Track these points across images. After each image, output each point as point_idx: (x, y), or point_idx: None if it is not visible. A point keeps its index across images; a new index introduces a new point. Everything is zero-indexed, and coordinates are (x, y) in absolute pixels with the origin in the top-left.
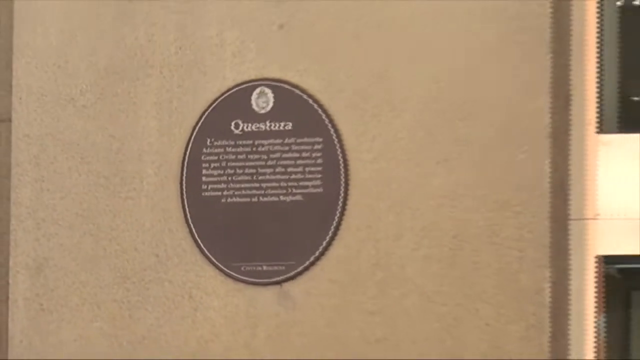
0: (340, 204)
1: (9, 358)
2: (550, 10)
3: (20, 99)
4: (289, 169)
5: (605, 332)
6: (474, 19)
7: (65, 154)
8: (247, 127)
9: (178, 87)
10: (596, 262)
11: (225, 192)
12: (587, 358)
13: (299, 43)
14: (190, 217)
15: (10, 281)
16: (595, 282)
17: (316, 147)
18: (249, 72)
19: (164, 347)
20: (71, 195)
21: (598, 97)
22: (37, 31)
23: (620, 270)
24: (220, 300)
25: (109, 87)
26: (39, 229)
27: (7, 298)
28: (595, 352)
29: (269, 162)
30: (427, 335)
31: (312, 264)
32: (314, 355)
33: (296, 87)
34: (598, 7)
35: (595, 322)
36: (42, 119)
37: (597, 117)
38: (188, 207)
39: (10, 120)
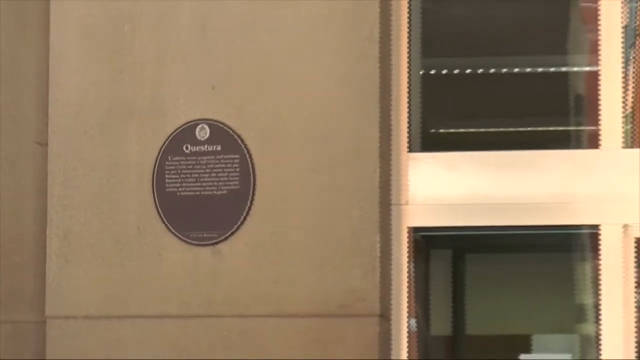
0: (250, 196)
1: (46, 272)
2: (379, 69)
3: (53, 132)
4: (219, 174)
5: (414, 274)
6: (325, 77)
7: (81, 166)
8: (193, 149)
9: (151, 124)
10: (408, 231)
11: (179, 188)
12: (403, 290)
13: (224, 97)
14: (159, 204)
15: (47, 244)
16: (407, 243)
17: (235, 161)
18: (194, 115)
19: (143, 282)
20: (85, 190)
21: (408, 129)
22: (65, 85)
23: (423, 236)
24: (177, 255)
25: (109, 123)
26: (65, 211)
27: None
28: (407, 286)
29: (206, 170)
30: (307, 275)
31: (233, 233)
32: (235, 289)
33: (223, 124)
34: (408, 68)
35: (407, 267)
36: (68, 144)
37: (408, 142)
38: (157, 198)
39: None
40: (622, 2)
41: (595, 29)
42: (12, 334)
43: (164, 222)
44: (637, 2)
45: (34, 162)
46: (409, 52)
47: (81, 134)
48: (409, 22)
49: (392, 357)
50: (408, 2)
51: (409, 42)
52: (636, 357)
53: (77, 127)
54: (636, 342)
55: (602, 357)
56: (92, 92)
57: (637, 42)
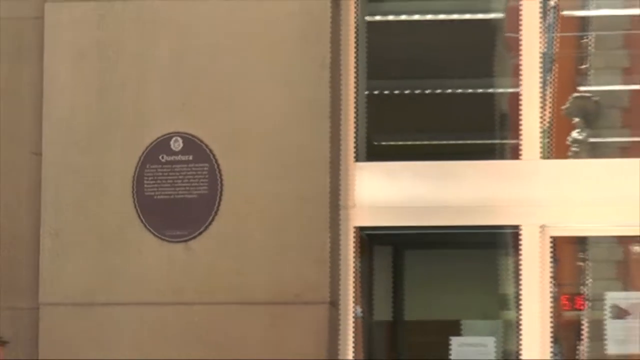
0: (217, 200)
1: (40, 265)
2: (329, 90)
3: (47, 143)
4: (190, 180)
5: (359, 267)
6: (282, 97)
7: (71, 173)
8: (168, 158)
9: (132, 136)
10: (354, 230)
11: (156, 192)
12: (350, 281)
13: (196, 114)
14: (138, 206)
15: (40, 241)
16: (354, 240)
17: (205, 169)
18: (169, 129)
19: (124, 274)
20: (74, 194)
21: (355, 142)
22: (57, 102)
23: (367, 234)
24: (154, 250)
25: (95, 136)
26: (56, 212)
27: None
28: (353, 277)
29: (180, 177)
30: (266, 268)
31: (202, 231)
32: (203, 280)
33: (194, 137)
34: (355, 89)
35: (354, 261)
36: (60, 154)
37: (354, 153)
38: (137, 201)
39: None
40: (540, 32)
41: (517, 56)
42: (10, 319)
43: (142, 222)
44: (553, 33)
45: (30, 170)
46: (355, 76)
47: (71, 145)
48: (355, 50)
49: (340, 339)
50: (355, 33)
51: (355, 67)
52: (551, 340)
53: (68, 139)
54: (551, 327)
55: (521, 339)
56: (81, 108)
57: (553, 67)
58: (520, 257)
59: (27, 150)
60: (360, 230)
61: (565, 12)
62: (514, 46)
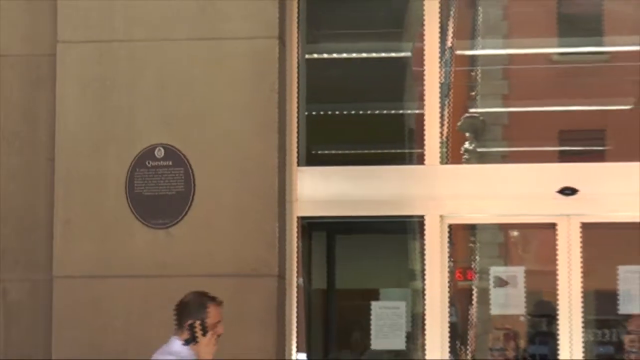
0: (191, 196)
1: (53, 246)
2: (277, 111)
3: (59, 152)
4: (170, 181)
5: (301, 247)
6: (241, 117)
7: (78, 175)
8: (153, 164)
9: (125, 147)
10: (297, 219)
11: (144, 190)
12: (294, 259)
13: (175, 129)
14: (130, 201)
15: (54, 228)
16: (296, 227)
17: (181, 172)
18: (154, 141)
19: (119, 254)
20: (80, 192)
21: (297, 151)
22: (67, 119)
23: (307, 222)
24: (142, 235)
25: (97, 146)
26: (66, 206)
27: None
28: (296, 255)
29: (162, 178)
30: (230, 248)
31: (179, 220)
32: (180, 258)
33: (173, 147)
34: (297, 110)
35: (297, 243)
36: (69, 160)
37: (297, 160)
38: (129, 196)
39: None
40: (439, 67)
41: (422, 85)
42: (31, 288)
43: (133, 213)
44: (449, 67)
45: (45, 172)
46: (297, 100)
47: (78, 153)
48: (297, 80)
49: (286, 303)
50: (297, 67)
51: (297, 93)
52: (449, 304)
53: (75, 149)
54: (449, 294)
55: (426, 303)
56: (85, 124)
57: (449, 94)
58: (425, 240)
59: (43, 157)
60: (302, 219)
61: (459, 52)
62: (419, 77)
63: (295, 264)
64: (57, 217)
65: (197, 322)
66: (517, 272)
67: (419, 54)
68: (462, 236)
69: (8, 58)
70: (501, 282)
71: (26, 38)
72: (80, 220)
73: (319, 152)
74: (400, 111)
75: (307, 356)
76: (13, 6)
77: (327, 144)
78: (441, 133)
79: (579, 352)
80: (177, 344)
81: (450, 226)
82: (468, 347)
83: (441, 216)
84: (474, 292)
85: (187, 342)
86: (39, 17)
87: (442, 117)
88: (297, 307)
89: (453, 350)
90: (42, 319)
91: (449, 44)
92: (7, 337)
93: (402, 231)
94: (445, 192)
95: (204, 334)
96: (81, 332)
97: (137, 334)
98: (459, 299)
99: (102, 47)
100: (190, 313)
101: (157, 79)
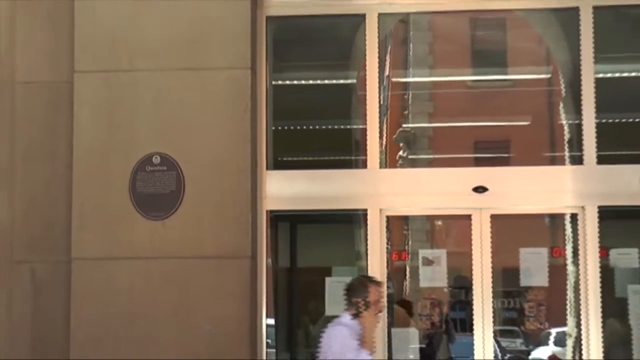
0: (182, 194)
1: (72, 234)
2: (250, 126)
3: (76, 161)
4: (165, 182)
5: (270, 234)
6: (222, 131)
7: (91, 179)
8: (151, 168)
9: (128, 155)
10: (266, 212)
11: (144, 189)
12: (264, 243)
13: (168, 141)
14: (133, 197)
15: (72, 219)
16: (266, 218)
17: (173, 175)
18: (152, 150)
19: (125, 240)
20: (93, 192)
21: (266, 158)
22: (82, 135)
23: (274, 215)
24: (142, 225)
25: (106, 155)
26: (82, 202)
27: (70, 227)
28: (266, 241)
29: (159, 181)
30: (212, 236)
31: (172, 213)
32: (173, 243)
33: (167, 155)
34: (266, 125)
35: (266, 231)
36: (84, 167)
37: (266, 164)
38: (132, 195)
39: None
40: (379, 91)
41: (365, 105)
42: (53, 268)
43: (135, 208)
44: (387, 92)
45: (66, 177)
46: (266, 117)
47: (90, 162)
48: (266, 101)
49: (258, 279)
50: (266, 91)
51: (266, 112)
52: (387, 279)
53: (88, 158)
54: (387, 271)
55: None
56: (97, 138)
57: (387, 113)
58: (368, 228)
59: (63, 164)
60: (270, 212)
61: (394, 79)
62: (363, 100)
63: (264, 248)
64: (74, 211)
65: (361, 300)
66: (441, 254)
67: (363, 81)
68: (397, 225)
69: (35, 84)
70: (428, 262)
71: (49, 68)
72: (92, 214)
73: (284, 159)
74: (348, 126)
75: (275, 321)
76: (39, 40)
77: (290, 152)
78: (380, 144)
79: (489, 316)
80: (347, 318)
81: (388, 217)
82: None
83: (380, 209)
84: (407, 269)
85: (354, 316)
86: (60, 52)
87: (381, 131)
88: (266, 282)
89: (391, 314)
90: (63, 292)
91: (386, 73)
92: (35, 305)
93: (350, 221)
94: (383, 191)
95: (366, 309)
96: (93, 302)
97: (138, 303)
98: (395, 275)
99: (109, 76)
100: (355, 293)
101: (154, 101)
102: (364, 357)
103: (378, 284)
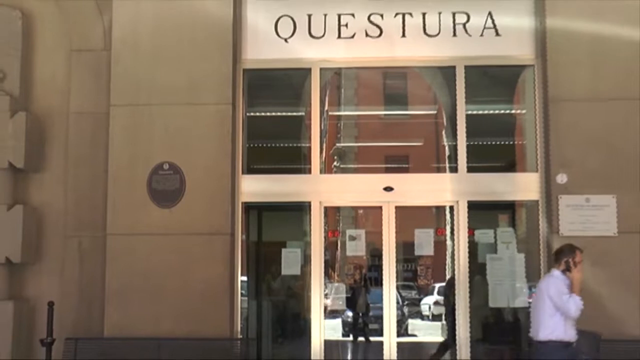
0: (183, 190)
1: (107, 217)
2: (231, 143)
3: (110, 167)
4: (172, 182)
5: (244, 219)
6: (212, 146)
7: (121, 181)
8: (162, 173)
9: (146, 163)
10: (242, 204)
11: (157, 187)
12: (239, 224)
13: (174, 152)
14: (150, 193)
15: (107, 210)
16: (241, 208)
17: (177, 177)
18: (163, 159)
19: (143, 222)
20: (123, 190)
21: (242, 166)
22: (115, 149)
23: (248, 205)
24: (156, 212)
25: (130, 163)
26: (115, 198)
27: (106, 214)
28: (242, 223)
29: (168, 181)
30: (204, 219)
31: (176, 203)
32: (178, 224)
33: (174, 163)
34: (242, 144)
35: (241, 217)
36: (117, 172)
37: (242, 170)
38: (149, 190)
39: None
40: (320, 120)
41: (311, 130)
42: (93, 242)
43: (151, 199)
44: (326, 121)
45: (102, 178)
46: (242, 138)
47: (121, 167)
48: (242, 126)
49: (235, 251)
50: (242, 119)
51: (242, 133)
52: (324, 250)
53: (119, 165)
54: (324, 245)
55: (311, 250)
56: (126, 151)
57: (326, 135)
58: (311, 215)
59: (102, 170)
60: (244, 203)
61: (331, 113)
62: (309, 127)
63: (240, 228)
64: (109, 201)
65: (570, 260)
66: (361, 233)
67: (309, 114)
68: (332, 213)
69: (83, 114)
70: (352, 238)
71: (93, 103)
72: (122, 203)
73: (255, 166)
74: (299, 145)
75: (247, 278)
76: (86, 83)
77: (259, 162)
78: (321, 157)
79: (393, 275)
80: (557, 272)
81: (325, 207)
82: (335, 271)
83: (320, 202)
84: (338, 243)
85: (563, 272)
86: (100, 91)
87: (321, 148)
88: (241, 251)
89: (327, 274)
90: (100, 260)
91: (325, 108)
92: (81, 270)
93: (300, 210)
94: (323, 189)
95: (575, 266)
96: (121, 268)
97: (153, 265)
98: (330, 247)
99: (133, 109)
100: (565, 254)
101: (164, 126)
102: (576, 299)
103: (581, 250)
